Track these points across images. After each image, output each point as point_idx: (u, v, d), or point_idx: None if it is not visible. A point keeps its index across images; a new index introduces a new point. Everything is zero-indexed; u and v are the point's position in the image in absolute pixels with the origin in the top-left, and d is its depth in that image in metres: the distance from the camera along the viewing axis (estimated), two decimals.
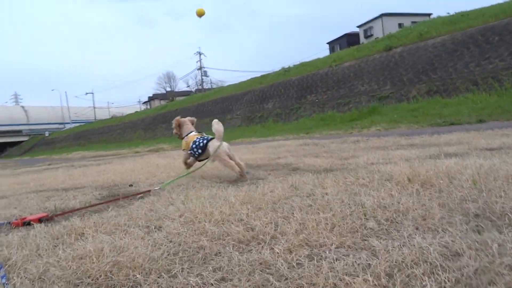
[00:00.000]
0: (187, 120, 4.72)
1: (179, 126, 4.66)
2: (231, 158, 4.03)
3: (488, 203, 2.01)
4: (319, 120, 19.94)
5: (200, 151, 4.20)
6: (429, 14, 48.48)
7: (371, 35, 51.10)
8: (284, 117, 24.95)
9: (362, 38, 53.09)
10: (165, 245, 1.81)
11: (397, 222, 1.90)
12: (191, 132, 4.53)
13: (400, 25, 46.08)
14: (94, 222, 2.36)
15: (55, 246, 1.96)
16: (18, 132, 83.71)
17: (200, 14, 6.01)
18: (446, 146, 5.13)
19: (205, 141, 4.20)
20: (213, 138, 4.17)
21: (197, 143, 4.24)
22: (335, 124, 17.44)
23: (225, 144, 4.14)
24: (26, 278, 1.50)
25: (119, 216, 2.54)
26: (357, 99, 20.84)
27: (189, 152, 4.40)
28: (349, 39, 54.67)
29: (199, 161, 4.37)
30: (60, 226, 2.36)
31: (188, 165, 4.58)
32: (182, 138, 4.59)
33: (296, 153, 6.76)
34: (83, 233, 2.14)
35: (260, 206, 2.43)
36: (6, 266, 1.66)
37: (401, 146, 6.12)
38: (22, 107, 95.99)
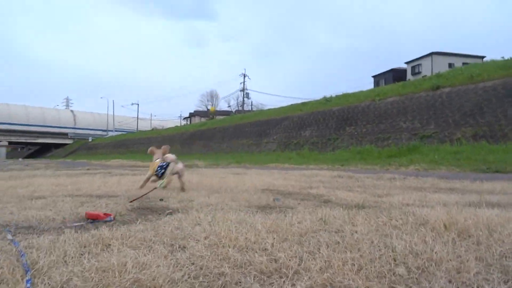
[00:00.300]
0: (156, 150, 6.06)
1: (152, 153, 6.05)
2: (181, 176, 5.68)
3: None
4: (356, 153, 19.60)
5: (163, 171, 5.56)
6: (482, 57, 47.22)
7: (419, 72, 50.28)
8: (320, 146, 24.73)
9: (409, 75, 52.33)
10: (187, 266, 1.80)
11: (429, 272, 1.80)
12: (157, 159, 5.79)
13: (450, 65, 45.19)
14: (121, 234, 2.39)
15: (82, 254, 2.00)
16: (64, 135, 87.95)
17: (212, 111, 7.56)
18: (489, 195, 4.87)
19: (165, 164, 5.59)
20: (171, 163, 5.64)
21: (161, 165, 5.60)
22: (372, 158, 17.07)
23: (179, 165, 5.74)
24: (49, 285, 1.54)
25: (146, 230, 2.57)
26: (398, 136, 20.36)
27: (154, 173, 5.67)
28: (395, 75, 54.06)
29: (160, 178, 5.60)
30: (89, 234, 2.41)
31: (144, 183, 5.81)
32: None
33: (329, 185, 6.65)
34: (110, 244, 2.17)
35: (286, 237, 2.38)
36: (33, 271, 1.70)
37: (440, 189, 5.87)
38: (72, 111, 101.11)
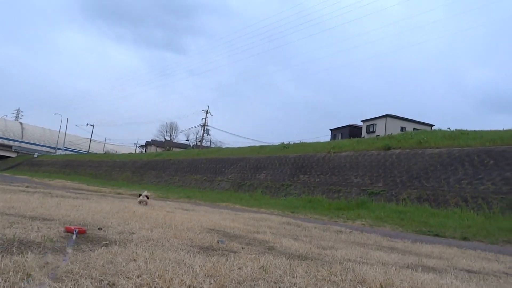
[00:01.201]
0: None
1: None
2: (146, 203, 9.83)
3: None
4: (307, 202, 19.83)
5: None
6: (431, 125, 50.59)
7: (374, 131, 52.76)
8: (273, 191, 24.85)
9: (364, 132, 54.71)
10: None
11: None
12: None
13: (402, 128, 47.90)
14: (46, 263, 2.21)
15: None
16: (8, 147, 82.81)
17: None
18: (426, 258, 5.03)
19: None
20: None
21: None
22: (322, 209, 17.32)
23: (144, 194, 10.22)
24: None
25: (75, 261, 2.40)
26: (348, 190, 20.92)
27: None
28: (352, 131, 56.40)
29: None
30: (10, 259, 2.21)
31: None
32: None
33: (276, 231, 6.61)
34: (30, 274, 2.00)
35: (224, 283, 2.31)
36: None
37: (382, 247, 6.00)
38: (21, 123, 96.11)
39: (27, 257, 2.32)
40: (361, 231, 8.85)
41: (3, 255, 2.38)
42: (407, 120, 53.63)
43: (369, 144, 25.22)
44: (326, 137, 66.10)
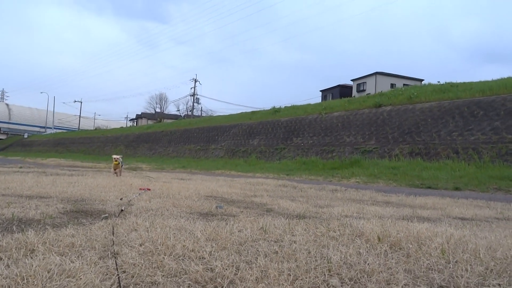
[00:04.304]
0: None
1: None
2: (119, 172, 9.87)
3: (453, 276, 1.98)
4: (301, 164, 20.03)
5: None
6: (421, 80, 50.45)
7: (364, 90, 52.61)
8: (267, 155, 25.01)
9: (354, 92, 54.55)
10: (116, 275, 1.71)
11: (360, 283, 1.85)
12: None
13: (392, 85, 47.77)
14: (48, 239, 2.23)
15: (0, 259, 1.84)
16: None
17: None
18: (420, 209, 5.16)
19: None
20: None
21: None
22: (316, 170, 17.53)
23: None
24: None
25: (76, 235, 2.42)
26: (341, 149, 21.11)
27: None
28: (342, 91, 56.16)
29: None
30: (11, 238, 2.23)
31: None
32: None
33: (273, 194, 6.71)
34: (34, 250, 2.01)
35: (225, 246, 2.35)
36: None
37: (377, 202, 6.13)
38: (7, 104, 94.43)
39: (28, 234, 2.33)
40: (356, 188, 9.02)
41: (3, 234, 2.39)
42: (397, 76, 53.45)
43: (360, 103, 25.24)
44: (316, 98, 65.97)
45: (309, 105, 32.35)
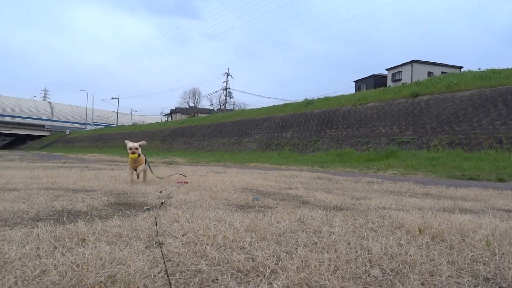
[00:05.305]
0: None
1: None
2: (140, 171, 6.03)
3: (500, 268, 1.92)
4: (336, 156, 19.81)
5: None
6: (460, 67, 48.48)
7: (399, 79, 51.23)
8: (301, 148, 24.90)
9: (389, 81, 53.23)
10: (163, 263, 1.79)
11: (402, 274, 1.83)
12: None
13: (429, 73, 46.24)
14: (97, 229, 2.35)
15: (55, 248, 1.96)
16: (40, 127, 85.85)
17: None
18: (462, 201, 5.00)
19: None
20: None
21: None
22: (351, 162, 17.28)
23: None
24: (21, 278, 1.49)
25: (122, 226, 2.54)
26: (377, 140, 20.69)
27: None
28: (377, 81, 54.92)
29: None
30: (64, 228, 2.36)
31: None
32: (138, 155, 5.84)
33: (308, 186, 6.69)
34: (85, 239, 2.13)
35: (265, 236, 2.39)
36: (3, 264, 1.65)
37: (416, 194, 5.99)
38: (49, 103, 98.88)
39: (78, 224, 2.47)
40: (393, 180, 8.83)
41: (56, 224, 2.54)
42: (434, 64, 51.61)
43: (396, 93, 24.58)
44: (350, 89, 64.89)
45: (342, 96, 31.84)
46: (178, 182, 6.02)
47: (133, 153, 5.66)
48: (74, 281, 1.50)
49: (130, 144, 5.79)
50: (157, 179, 6.38)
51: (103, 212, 3.21)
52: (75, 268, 1.61)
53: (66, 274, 1.55)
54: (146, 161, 6.06)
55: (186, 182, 6.10)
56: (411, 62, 51.75)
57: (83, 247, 1.98)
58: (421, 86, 23.81)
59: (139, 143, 5.94)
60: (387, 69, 56.66)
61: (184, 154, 30.63)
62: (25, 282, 1.46)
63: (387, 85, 46.15)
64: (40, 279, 1.48)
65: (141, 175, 6.03)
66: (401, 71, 53.31)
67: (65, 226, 2.46)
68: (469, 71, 26.44)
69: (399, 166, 14.04)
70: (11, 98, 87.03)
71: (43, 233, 2.22)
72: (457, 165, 13.12)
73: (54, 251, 1.91)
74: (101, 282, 1.50)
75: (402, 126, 20.50)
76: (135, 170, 5.89)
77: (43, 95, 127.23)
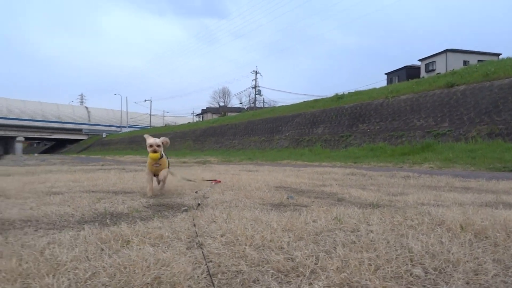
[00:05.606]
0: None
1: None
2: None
3: None
4: (369, 151, 19.47)
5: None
6: (498, 54, 46.36)
7: (433, 69, 49.65)
8: (333, 143, 24.63)
9: (423, 72, 51.68)
10: (205, 264, 1.83)
11: (446, 273, 1.80)
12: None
13: (465, 62, 44.55)
14: (140, 231, 2.44)
15: (102, 250, 2.05)
16: (78, 131, 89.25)
17: None
18: (505, 195, 4.80)
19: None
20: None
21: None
22: (385, 156, 16.94)
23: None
24: (74, 280, 1.58)
25: (163, 227, 2.61)
26: (411, 134, 20.16)
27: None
28: (409, 72, 53.46)
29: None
30: (108, 230, 2.47)
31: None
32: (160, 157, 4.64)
33: (342, 182, 6.63)
34: (129, 241, 2.22)
35: (302, 236, 2.40)
36: (56, 266, 1.75)
37: (455, 188, 5.81)
38: (86, 107, 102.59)
39: (121, 226, 2.57)
40: (430, 174, 8.60)
41: (100, 227, 2.65)
42: (470, 52, 49.62)
43: (430, 84, 23.83)
44: (381, 82, 63.47)
45: (374, 89, 31.21)
46: (212, 182, 6.13)
47: (155, 151, 4.50)
48: (123, 282, 1.57)
49: (150, 139, 4.60)
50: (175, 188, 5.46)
51: (144, 213, 3.32)
52: (123, 270, 1.68)
53: (115, 276, 1.62)
54: (169, 163, 4.88)
55: (219, 181, 6.20)
56: (445, 51, 49.97)
57: (128, 249, 2.06)
58: (457, 76, 22.97)
59: (161, 139, 4.68)
60: (420, 60, 55.00)
61: (216, 153, 30.98)
62: (78, 284, 1.54)
63: (420, 76, 44.80)
64: (92, 281, 1.56)
65: (160, 184, 4.84)
66: (434, 61, 51.61)
67: (109, 228, 2.57)
68: (508, 58, 25.23)
69: (435, 160, 13.63)
70: (51, 104, 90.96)
71: (89, 236, 2.33)
72: (498, 157, 12.59)
73: (101, 253, 2.00)
74: (147, 283, 1.56)
75: (438, 118, 19.86)
76: (156, 176, 4.71)
77: (80, 100, 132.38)
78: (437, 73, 37.75)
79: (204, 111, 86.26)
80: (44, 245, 2.12)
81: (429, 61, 52.85)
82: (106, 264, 1.76)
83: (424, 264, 1.89)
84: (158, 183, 4.80)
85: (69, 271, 1.67)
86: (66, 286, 1.50)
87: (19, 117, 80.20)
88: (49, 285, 1.51)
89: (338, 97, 31.88)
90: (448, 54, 49.74)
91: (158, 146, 4.56)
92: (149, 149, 4.55)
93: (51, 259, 1.84)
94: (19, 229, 2.63)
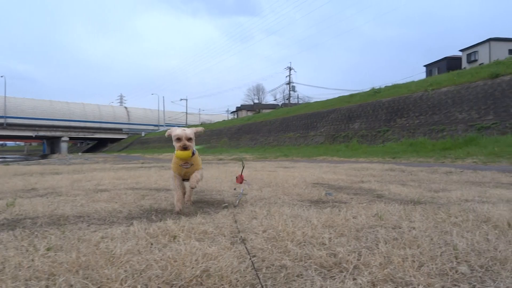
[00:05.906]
0: None
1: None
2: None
3: None
4: (408, 146, 18.96)
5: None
6: None
7: (475, 60, 47.50)
8: (370, 139, 24.16)
9: (464, 63, 49.59)
10: (249, 259, 1.90)
11: (492, 271, 1.77)
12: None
13: (510, 51, 42.29)
14: (185, 227, 2.54)
15: (151, 244, 2.16)
16: (119, 130, 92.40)
17: None
18: None
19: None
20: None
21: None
22: (425, 151, 16.45)
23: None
24: (130, 272, 1.69)
25: (206, 223, 2.71)
26: (453, 127, 19.44)
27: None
28: (450, 63, 51.45)
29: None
30: (156, 226, 2.59)
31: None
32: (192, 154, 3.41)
33: (380, 179, 6.53)
34: (175, 236, 2.32)
35: (343, 232, 2.42)
36: (112, 259, 1.87)
37: (501, 184, 5.59)
38: (125, 107, 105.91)
39: (167, 222, 2.68)
40: (473, 169, 8.29)
41: (148, 222, 2.78)
42: None
43: (472, 75, 22.83)
44: (420, 75, 61.45)
45: (412, 82, 30.26)
46: (238, 180, 4.39)
47: (185, 147, 3.28)
48: (174, 274, 1.66)
49: (178, 130, 3.36)
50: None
51: (186, 210, 3.43)
52: (173, 263, 1.78)
53: (167, 268, 1.72)
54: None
55: (241, 181, 4.42)
56: (489, 40, 47.64)
57: (176, 243, 2.16)
58: (502, 66, 21.86)
59: (194, 129, 3.47)
60: (461, 50, 52.77)
61: (252, 150, 31.17)
62: (134, 275, 1.64)
63: (462, 67, 43.01)
64: (146, 273, 1.66)
65: (187, 191, 3.77)
66: (477, 51, 49.35)
67: (156, 224, 2.69)
68: None
69: (479, 154, 13.10)
70: (92, 105, 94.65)
71: (139, 231, 2.46)
72: None
73: (151, 247, 2.11)
74: (197, 276, 1.64)
75: (482, 111, 19.03)
76: (186, 180, 3.54)
77: (119, 100, 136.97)
78: (480, 64, 36.06)
79: (238, 109, 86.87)
80: (99, 239, 2.26)
81: (471, 51, 50.60)
82: (157, 257, 1.87)
83: (469, 262, 1.86)
84: (191, 187, 3.45)
85: (124, 263, 1.79)
86: (123, 277, 1.61)
87: (63, 118, 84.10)
88: (108, 276, 1.62)
89: (375, 91, 31.18)
90: (492, 43, 47.39)
91: (189, 139, 3.31)
92: (176, 145, 3.31)
93: (107, 252, 1.97)
94: (73, 224, 2.81)
